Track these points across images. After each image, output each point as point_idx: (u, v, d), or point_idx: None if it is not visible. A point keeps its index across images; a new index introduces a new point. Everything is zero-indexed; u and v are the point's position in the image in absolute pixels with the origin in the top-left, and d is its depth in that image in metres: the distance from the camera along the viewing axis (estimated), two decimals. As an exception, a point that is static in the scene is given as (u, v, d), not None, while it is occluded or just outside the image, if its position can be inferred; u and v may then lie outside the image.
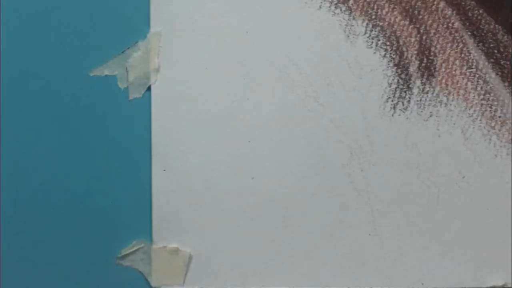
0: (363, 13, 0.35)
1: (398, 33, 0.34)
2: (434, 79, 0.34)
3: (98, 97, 0.35)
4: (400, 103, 0.34)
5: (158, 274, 0.35)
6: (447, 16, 0.35)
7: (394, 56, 0.35)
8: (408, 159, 0.34)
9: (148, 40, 0.35)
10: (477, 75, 0.34)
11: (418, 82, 0.34)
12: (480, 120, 0.34)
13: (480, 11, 0.35)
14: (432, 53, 0.34)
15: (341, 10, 0.35)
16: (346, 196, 0.34)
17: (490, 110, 0.34)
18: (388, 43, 0.35)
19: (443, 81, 0.34)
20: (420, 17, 0.35)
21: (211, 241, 0.34)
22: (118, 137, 0.35)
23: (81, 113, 0.35)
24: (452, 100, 0.34)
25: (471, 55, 0.34)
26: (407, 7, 0.35)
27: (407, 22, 0.35)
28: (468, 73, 0.34)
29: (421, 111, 0.34)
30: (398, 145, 0.34)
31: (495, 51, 0.34)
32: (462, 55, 0.34)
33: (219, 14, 0.35)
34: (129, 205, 0.35)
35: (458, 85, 0.34)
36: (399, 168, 0.34)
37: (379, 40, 0.34)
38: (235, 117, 0.34)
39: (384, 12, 0.35)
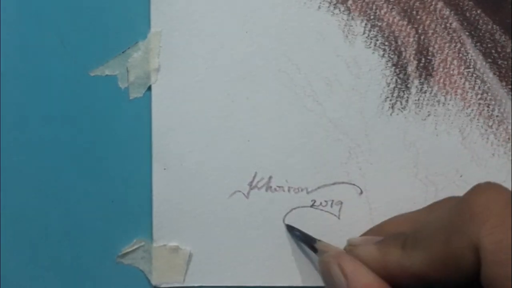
0: (362, 13, 0.35)
1: (396, 33, 0.35)
2: (432, 79, 0.35)
3: (98, 97, 0.35)
4: (398, 103, 0.35)
5: (159, 272, 0.35)
6: (445, 16, 0.35)
7: (392, 56, 0.35)
8: (406, 158, 0.35)
9: (148, 40, 0.35)
10: (474, 75, 0.35)
11: (416, 82, 0.35)
12: (478, 119, 0.35)
13: (478, 12, 0.35)
14: (430, 53, 0.35)
15: (340, 10, 0.35)
16: (345, 194, 0.35)
17: (488, 110, 0.35)
18: (386, 43, 0.35)
19: (441, 80, 0.35)
20: (418, 17, 0.35)
21: (211, 240, 0.34)
22: (119, 137, 0.35)
23: (81, 113, 0.35)
24: (450, 100, 0.35)
25: (469, 55, 0.35)
26: (405, 8, 0.35)
27: (405, 22, 0.35)
28: (465, 73, 0.35)
29: (419, 111, 0.35)
30: (396, 144, 0.35)
31: (493, 51, 0.35)
32: (460, 55, 0.35)
33: (219, 14, 0.35)
34: (130, 204, 0.35)
35: (456, 84, 0.35)
36: (397, 167, 0.35)
37: (377, 40, 0.35)
38: (235, 117, 0.35)
39: (382, 12, 0.35)
